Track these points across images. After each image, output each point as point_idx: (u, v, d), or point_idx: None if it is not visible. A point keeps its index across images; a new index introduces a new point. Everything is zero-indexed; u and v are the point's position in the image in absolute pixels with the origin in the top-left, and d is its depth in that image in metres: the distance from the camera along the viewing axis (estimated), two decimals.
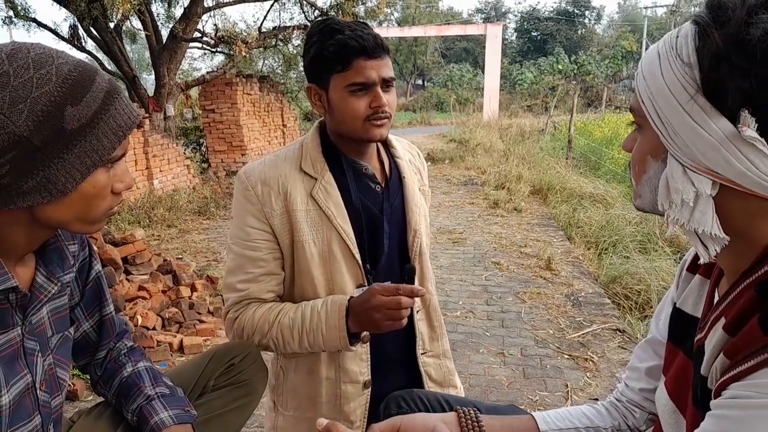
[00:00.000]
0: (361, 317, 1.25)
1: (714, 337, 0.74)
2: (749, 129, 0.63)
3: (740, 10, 0.64)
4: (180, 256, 5.30)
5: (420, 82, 50.52)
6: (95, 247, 3.61)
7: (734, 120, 0.64)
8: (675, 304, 0.94)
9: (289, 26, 10.90)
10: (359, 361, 1.43)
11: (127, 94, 9.89)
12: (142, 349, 1.32)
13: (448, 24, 34.08)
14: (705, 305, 0.85)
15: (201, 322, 3.72)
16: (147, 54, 10.52)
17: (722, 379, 0.68)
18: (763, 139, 0.63)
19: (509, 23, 55.07)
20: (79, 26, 9.15)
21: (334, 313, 1.28)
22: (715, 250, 0.71)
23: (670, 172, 0.71)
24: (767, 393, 0.60)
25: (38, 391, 0.99)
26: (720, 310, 0.76)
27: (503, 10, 57.90)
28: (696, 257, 0.94)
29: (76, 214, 0.91)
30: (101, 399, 1.28)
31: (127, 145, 0.93)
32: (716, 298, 0.82)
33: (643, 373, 1.03)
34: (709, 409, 0.69)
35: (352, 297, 1.30)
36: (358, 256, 1.38)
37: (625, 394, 1.07)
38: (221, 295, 4.15)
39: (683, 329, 0.89)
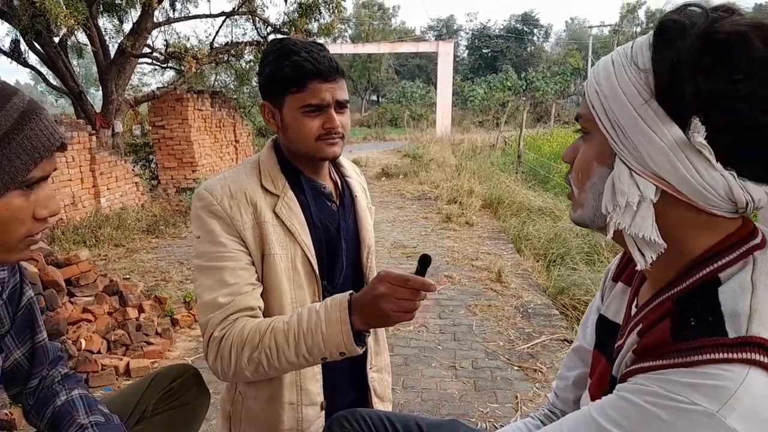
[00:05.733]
0: (367, 308, 1.13)
1: (629, 342, 0.77)
2: (699, 136, 0.65)
3: (700, 23, 0.66)
4: (127, 276, 5.17)
5: (374, 98, 50.89)
6: (35, 269, 3.50)
7: (685, 127, 0.66)
8: (600, 311, 0.97)
9: (242, 42, 10.85)
10: (315, 381, 1.42)
11: (72, 111, 9.61)
12: (79, 376, 1.28)
13: (401, 41, 34.52)
14: (625, 312, 0.89)
15: (149, 344, 3.63)
16: (95, 69, 10.26)
17: (628, 370, 0.71)
18: (710, 147, 0.65)
19: (461, 40, 56.18)
20: (22, 40, 8.88)
21: (335, 307, 1.16)
22: (651, 257, 0.72)
23: (617, 174, 0.72)
24: (669, 389, 0.62)
25: None
26: (638, 318, 0.79)
27: (455, 27, 59.08)
28: (619, 267, 0.98)
29: None
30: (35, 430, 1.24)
31: (50, 168, 0.91)
32: (634, 308, 0.85)
33: (571, 382, 1.06)
34: None
35: (353, 292, 1.20)
36: (318, 273, 1.39)
37: (556, 404, 1.10)
38: (170, 316, 4.08)
39: (606, 335, 0.92)
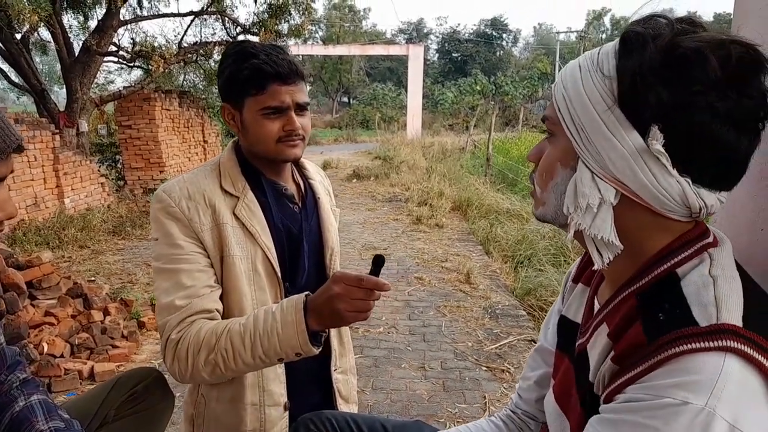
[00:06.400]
0: (322, 309, 1.12)
1: (598, 344, 0.79)
2: (657, 143, 0.67)
3: (664, 36, 0.68)
4: (92, 279, 5.05)
5: (345, 99, 50.83)
6: None
7: (645, 134, 0.68)
8: (561, 312, 1.00)
9: (211, 42, 10.73)
10: (278, 383, 1.42)
11: (35, 109, 9.35)
12: (38, 381, 1.25)
13: (372, 43, 34.57)
14: (585, 311, 0.91)
15: (114, 347, 3.56)
16: (59, 66, 10.01)
17: (613, 386, 0.71)
18: (667, 155, 0.68)
19: (431, 44, 56.53)
20: None
21: (291, 308, 1.16)
22: (609, 257, 0.75)
23: (579, 177, 0.74)
24: (656, 395, 0.64)
25: None
26: (602, 317, 0.80)
27: (425, 31, 59.36)
28: (579, 268, 1.00)
29: None
30: None
31: (5, 170, 0.89)
32: (596, 305, 0.87)
33: (533, 382, 1.08)
34: (597, 413, 0.73)
35: (309, 293, 1.19)
36: (280, 274, 1.39)
37: (519, 405, 1.11)
38: (136, 318, 4.01)
39: (567, 335, 0.94)
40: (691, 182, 0.69)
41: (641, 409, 0.65)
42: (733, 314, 0.65)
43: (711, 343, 0.63)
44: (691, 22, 0.70)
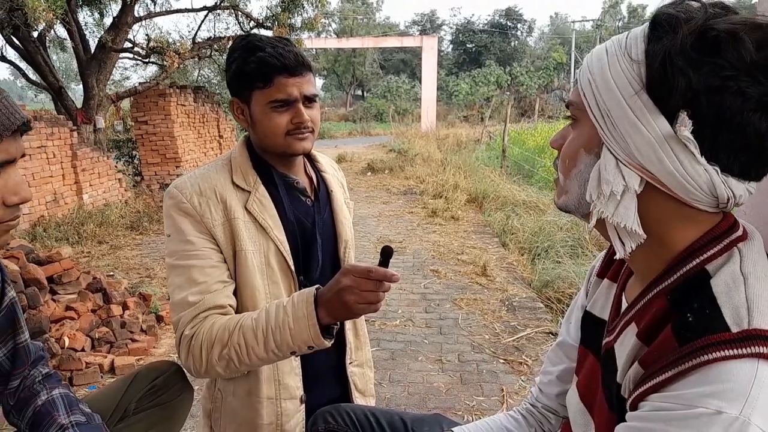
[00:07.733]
0: (332, 302, 1.12)
1: (626, 344, 0.77)
2: (686, 130, 0.65)
3: (697, 19, 0.66)
4: (111, 273, 5.12)
5: (359, 92, 50.76)
6: (16, 267, 3.46)
7: (672, 120, 0.66)
8: (585, 308, 0.97)
9: (225, 36, 10.77)
10: (294, 376, 1.42)
11: (53, 107, 9.45)
12: (60, 375, 1.27)
13: (386, 36, 34.49)
14: (612, 308, 0.88)
15: (134, 341, 3.61)
16: (75, 64, 10.12)
17: (639, 391, 0.69)
18: (696, 142, 0.65)
19: (445, 35, 56.11)
20: None
21: (302, 303, 1.16)
22: (631, 247, 0.73)
23: (603, 163, 0.72)
24: (688, 404, 0.62)
25: None
26: (630, 315, 0.78)
27: (438, 22, 58.91)
28: (605, 263, 0.97)
29: None
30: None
31: (14, 150, 0.88)
32: (623, 302, 0.85)
33: (555, 376, 1.06)
34: (624, 415, 0.71)
35: (319, 286, 1.19)
36: (293, 268, 1.39)
37: (540, 399, 1.09)
38: (155, 313, 4.05)
39: (593, 332, 0.92)
40: (719, 171, 0.67)
41: (673, 418, 0.63)
42: (766, 317, 0.63)
43: (743, 350, 0.61)
44: (723, 6, 0.68)
